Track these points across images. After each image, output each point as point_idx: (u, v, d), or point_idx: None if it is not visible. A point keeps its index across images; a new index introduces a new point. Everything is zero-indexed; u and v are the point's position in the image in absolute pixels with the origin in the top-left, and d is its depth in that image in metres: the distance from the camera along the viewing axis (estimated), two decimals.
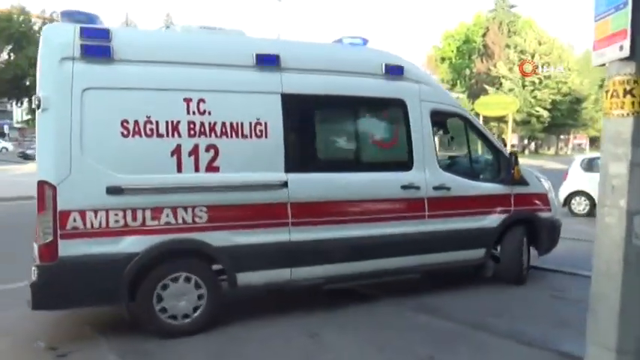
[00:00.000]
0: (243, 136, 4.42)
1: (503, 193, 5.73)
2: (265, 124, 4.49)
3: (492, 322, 4.54)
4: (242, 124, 4.42)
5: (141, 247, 4.03)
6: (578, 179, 12.10)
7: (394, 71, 5.20)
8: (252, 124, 4.45)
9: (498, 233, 5.69)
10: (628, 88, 2.39)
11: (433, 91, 5.57)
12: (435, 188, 5.25)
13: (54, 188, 3.81)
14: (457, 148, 6.72)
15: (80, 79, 3.92)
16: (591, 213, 11.70)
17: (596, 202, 2.70)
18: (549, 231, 6.11)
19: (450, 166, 5.86)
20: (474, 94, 48.79)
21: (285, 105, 4.59)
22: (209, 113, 4.30)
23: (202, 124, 4.27)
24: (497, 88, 47.82)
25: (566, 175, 12.52)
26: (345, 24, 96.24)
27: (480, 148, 6.47)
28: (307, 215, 4.63)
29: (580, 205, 11.96)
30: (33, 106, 4.05)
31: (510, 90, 47.41)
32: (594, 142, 72.97)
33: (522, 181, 5.84)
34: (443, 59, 66.63)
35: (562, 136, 65.52)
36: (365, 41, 5.47)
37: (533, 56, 47.37)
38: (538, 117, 47.68)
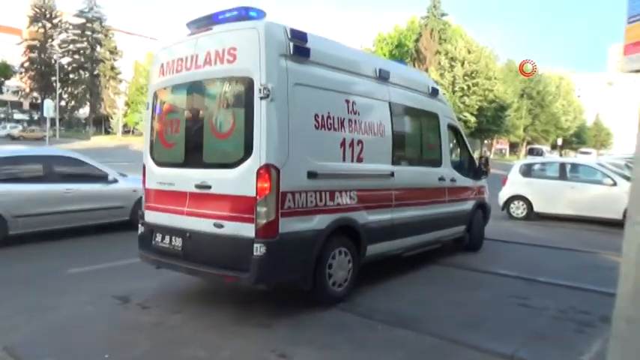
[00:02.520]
0: (374, 133, 5.50)
1: (474, 185, 7.92)
2: (384, 125, 5.66)
3: (471, 336, 4.33)
4: (373, 123, 5.49)
5: (324, 224, 4.74)
6: (516, 184, 12.47)
7: (434, 92, 7.04)
8: (377, 124, 5.57)
9: (472, 214, 7.79)
10: None
11: (448, 110, 7.57)
12: (451, 180, 7.13)
13: (278, 171, 4.26)
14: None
15: (292, 75, 4.47)
16: (529, 217, 12.20)
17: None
18: (487, 211, 8.53)
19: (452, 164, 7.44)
20: None
21: (391, 111, 5.82)
22: (358, 113, 5.26)
23: (355, 121, 5.22)
24: None
25: (505, 180, 12.89)
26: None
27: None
28: (401, 199, 5.90)
29: (518, 209, 12.34)
30: (261, 95, 4.23)
31: None
32: (514, 147, 77.60)
33: (479, 177, 8.08)
34: None
35: (486, 141, 69.01)
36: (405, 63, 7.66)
37: (462, 63, 49.43)
38: (466, 122, 49.75)
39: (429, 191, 6.59)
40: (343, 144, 5.04)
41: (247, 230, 4.24)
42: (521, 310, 5.21)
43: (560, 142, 72.42)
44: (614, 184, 11.12)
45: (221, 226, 4.42)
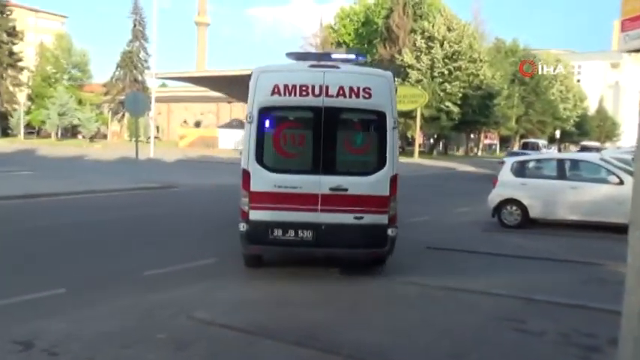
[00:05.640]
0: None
1: None
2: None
3: None
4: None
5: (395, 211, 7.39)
6: (508, 186, 12.64)
7: None
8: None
9: None
10: None
11: None
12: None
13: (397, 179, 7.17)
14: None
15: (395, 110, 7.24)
16: (523, 224, 12.33)
17: (629, 222, 2.56)
18: None
19: None
20: None
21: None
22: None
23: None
24: (404, 79, 49.98)
25: (496, 180, 13.07)
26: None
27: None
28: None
29: (512, 216, 12.46)
30: (393, 125, 7.18)
31: (418, 81, 49.96)
32: (505, 142, 79.29)
33: None
34: (339, 43, 67.45)
35: (472, 136, 70.47)
36: None
37: (442, 44, 50.37)
38: (448, 113, 50.70)
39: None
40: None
41: (382, 219, 6.99)
42: (517, 335, 5.32)
43: (558, 134, 74.69)
44: (621, 182, 11.42)
45: (361, 218, 6.95)
